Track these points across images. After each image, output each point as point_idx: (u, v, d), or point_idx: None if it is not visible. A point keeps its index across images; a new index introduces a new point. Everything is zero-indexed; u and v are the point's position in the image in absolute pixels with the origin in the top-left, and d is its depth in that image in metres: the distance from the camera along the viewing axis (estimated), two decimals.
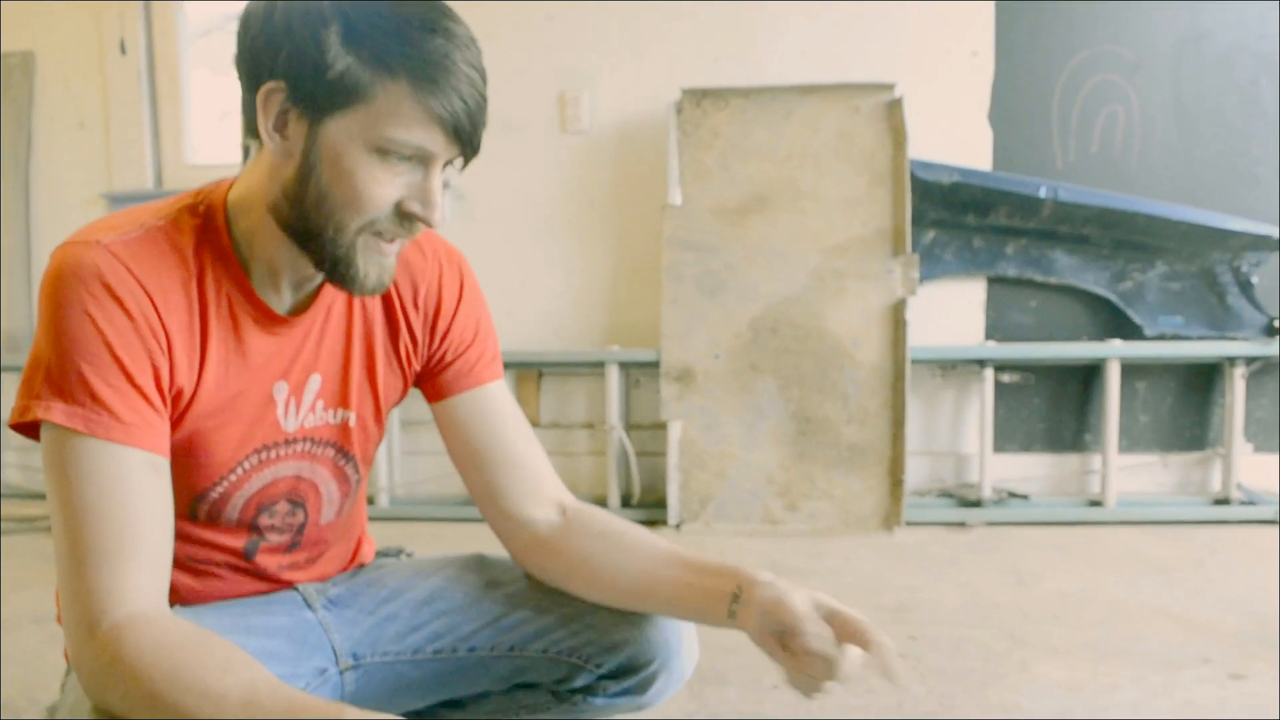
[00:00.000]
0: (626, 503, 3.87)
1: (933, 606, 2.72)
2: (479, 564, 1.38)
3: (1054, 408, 3.97)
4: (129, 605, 0.99)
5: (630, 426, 3.96)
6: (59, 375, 1.00)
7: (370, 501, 3.84)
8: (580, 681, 1.32)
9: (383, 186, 1.02)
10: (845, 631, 1.06)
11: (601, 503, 3.83)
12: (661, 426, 3.76)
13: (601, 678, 1.31)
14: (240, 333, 1.12)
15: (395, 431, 4.03)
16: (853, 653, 1.03)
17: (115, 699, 0.98)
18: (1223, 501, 3.77)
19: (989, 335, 3.91)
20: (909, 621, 2.59)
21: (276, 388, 1.16)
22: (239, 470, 1.17)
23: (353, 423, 1.24)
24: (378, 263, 1.07)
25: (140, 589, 1.00)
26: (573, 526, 1.27)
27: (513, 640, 1.31)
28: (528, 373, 4.06)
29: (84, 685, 1.01)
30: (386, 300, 1.23)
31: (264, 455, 1.19)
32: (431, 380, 1.28)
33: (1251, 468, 3.90)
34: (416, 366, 1.27)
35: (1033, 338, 3.89)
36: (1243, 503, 3.73)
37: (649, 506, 3.81)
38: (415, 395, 1.33)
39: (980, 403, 3.78)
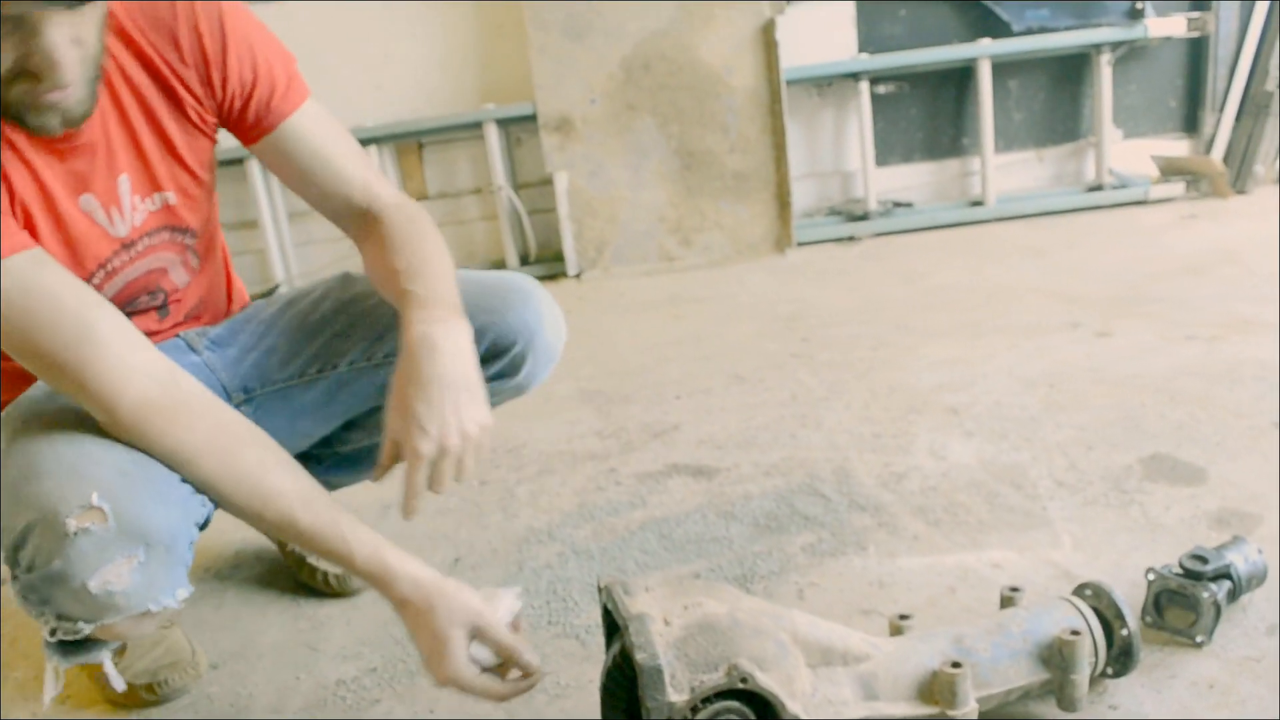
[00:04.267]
0: (525, 260, 3.89)
1: (824, 312, 2.83)
2: (345, 281, 1.39)
3: (931, 116, 4.02)
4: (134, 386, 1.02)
5: (518, 186, 3.93)
6: None
7: (269, 294, 3.80)
8: None
9: None
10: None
11: (500, 265, 3.85)
12: (548, 181, 3.74)
13: None
14: (26, 158, 1.06)
15: (284, 225, 3.96)
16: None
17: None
18: (1096, 188, 3.91)
19: (862, 49, 3.90)
20: (801, 327, 2.69)
21: (83, 201, 1.12)
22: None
23: (173, 200, 1.22)
24: (54, 104, 1.01)
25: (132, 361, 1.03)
26: (361, 241, 1.27)
27: (386, 348, 1.33)
28: (407, 145, 3.97)
29: None
30: (154, 73, 1.16)
31: (108, 269, 1.17)
32: (238, 126, 1.23)
33: (1122, 153, 4.03)
34: (213, 120, 1.22)
35: (905, 47, 3.88)
36: (1114, 187, 3.87)
37: (547, 261, 3.84)
38: None
39: (859, 118, 3.81)
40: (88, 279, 1.14)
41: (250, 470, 1.06)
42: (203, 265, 1.33)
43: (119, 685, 1.27)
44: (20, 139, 1.06)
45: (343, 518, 1.06)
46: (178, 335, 1.31)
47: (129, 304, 1.22)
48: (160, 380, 1.04)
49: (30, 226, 1.08)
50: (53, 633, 1.07)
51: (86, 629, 1.06)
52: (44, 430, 1.05)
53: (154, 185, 1.19)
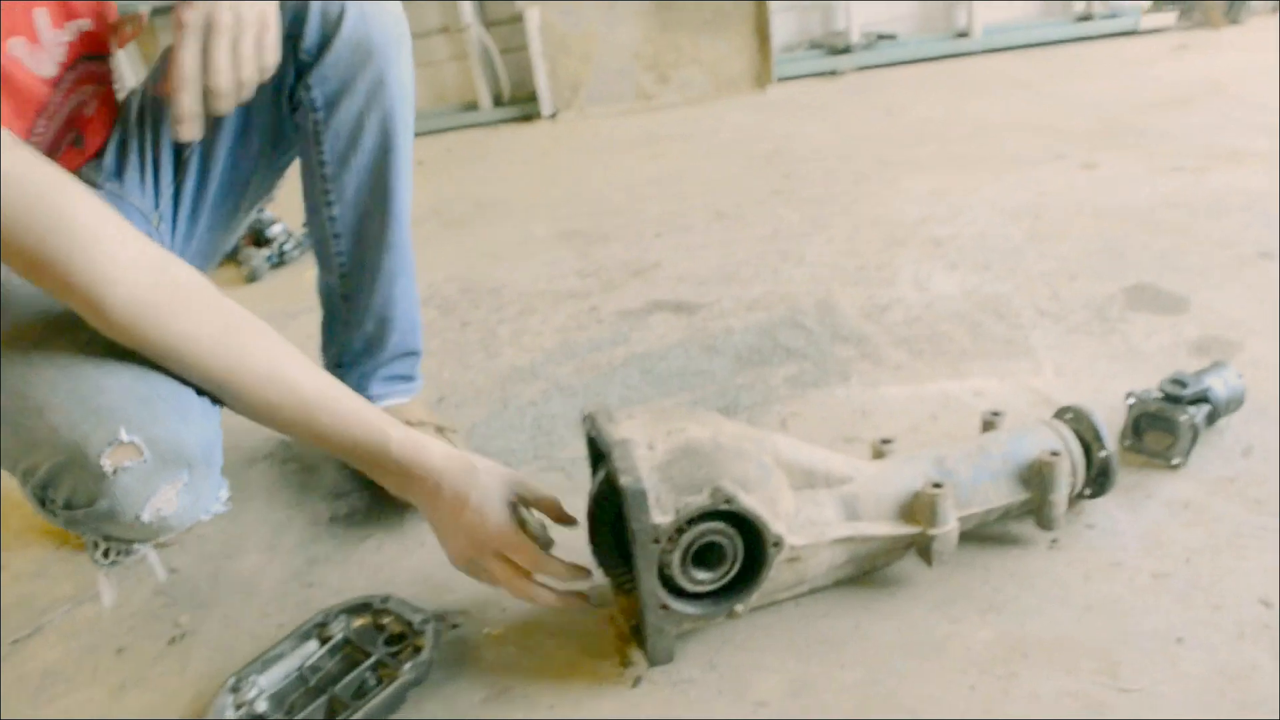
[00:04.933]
0: (499, 102, 3.79)
1: (805, 147, 2.78)
2: None
3: None
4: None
5: (489, 24, 3.80)
6: None
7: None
8: (290, 87, 1.27)
9: None
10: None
11: (473, 106, 3.76)
12: (519, 19, 3.61)
13: (300, 65, 1.25)
14: None
15: None
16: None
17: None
18: (1085, 19, 3.81)
19: None
20: (782, 163, 2.65)
21: (12, 46, 1.04)
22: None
23: (87, 25, 1.13)
24: None
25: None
26: None
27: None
28: None
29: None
30: None
31: (47, 114, 1.10)
32: None
33: None
34: None
35: None
36: (1105, 17, 3.77)
37: (521, 102, 3.74)
38: None
39: None
40: (32, 128, 1.08)
41: (261, 365, 0.99)
42: (109, 89, 1.26)
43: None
44: None
45: (366, 405, 1.01)
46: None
47: (58, 145, 1.17)
48: (153, 272, 0.95)
49: None
50: (105, 554, 1.07)
51: (141, 548, 1.05)
52: (14, 348, 0.98)
53: (69, 13, 1.11)
